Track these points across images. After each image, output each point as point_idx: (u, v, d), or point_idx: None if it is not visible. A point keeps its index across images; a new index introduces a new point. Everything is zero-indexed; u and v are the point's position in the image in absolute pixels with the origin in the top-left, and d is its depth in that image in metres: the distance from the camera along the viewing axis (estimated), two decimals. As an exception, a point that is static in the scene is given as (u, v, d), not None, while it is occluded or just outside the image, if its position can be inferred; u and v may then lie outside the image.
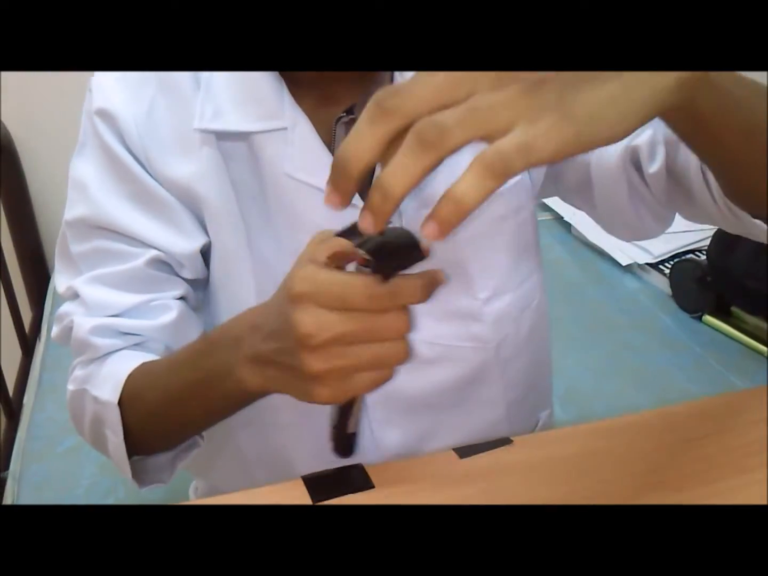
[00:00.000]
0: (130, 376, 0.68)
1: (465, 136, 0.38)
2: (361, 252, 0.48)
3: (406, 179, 0.39)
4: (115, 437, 0.69)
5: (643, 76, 0.41)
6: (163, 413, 0.69)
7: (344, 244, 0.50)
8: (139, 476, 0.72)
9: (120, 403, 0.68)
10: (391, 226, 0.46)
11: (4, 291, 1.62)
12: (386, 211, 0.40)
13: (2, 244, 1.63)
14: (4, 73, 1.67)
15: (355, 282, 0.49)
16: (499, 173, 0.37)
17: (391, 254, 0.48)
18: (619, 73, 0.40)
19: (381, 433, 0.79)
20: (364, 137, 0.40)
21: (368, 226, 0.41)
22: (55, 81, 1.69)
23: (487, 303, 0.78)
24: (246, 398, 0.62)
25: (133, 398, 0.68)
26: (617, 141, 0.40)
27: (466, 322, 0.77)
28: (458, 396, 0.81)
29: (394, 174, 0.39)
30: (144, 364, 0.70)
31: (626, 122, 0.40)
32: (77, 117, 0.73)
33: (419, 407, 0.80)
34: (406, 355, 0.51)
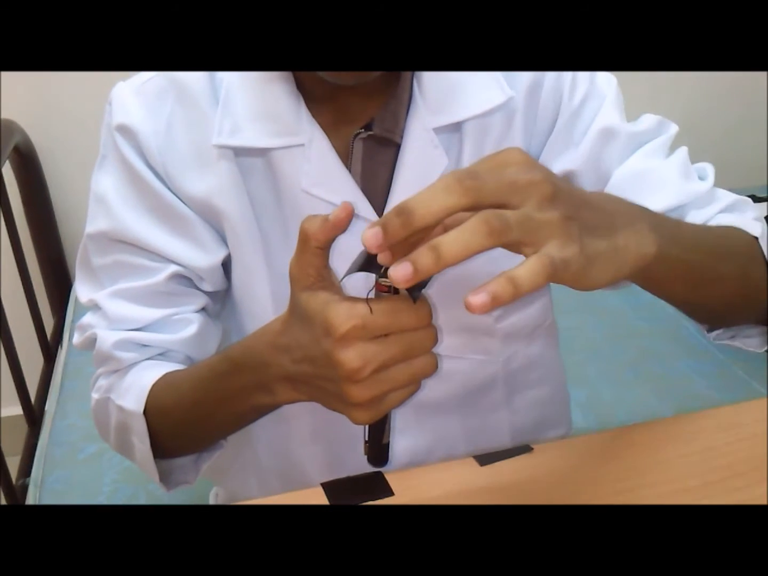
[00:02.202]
0: (153, 386, 0.69)
1: (518, 236, 0.43)
2: (385, 281, 0.49)
3: (462, 252, 0.42)
4: (142, 444, 0.70)
5: (631, 241, 0.49)
6: (191, 424, 0.70)
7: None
8: (166, 478, 0.74)
9: (145, 412, 0.69)
10: None
11: (27, 298, 1.63)
12: (433, 271, 0.43)
13: (24, 252, 1.64)
14: (27, 83, 1.68)
15: (400, 307, 0.50)
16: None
17: None
18: (614, 232, 0.48)
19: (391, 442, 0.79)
20: (436, 201, 0.43)
21: (408, 279, 0.43)
22: (77, 90, 1.70)
23: (499, 320, 0.78)
24: (278, 406, 0.63)
25: (158, 409, 0.69)
26: (596, 288, 0.47)
27: (476, 336, 0.78)
28: (465, 406, 0.81)
29: (453, 243, 0.42)
30: (167, 374, 0.71)
31: (608, 274, 0.47)
32: (98, 126, 0.74)
33: (428, 416, 0.80)
34: (435, 367, 0.53)
